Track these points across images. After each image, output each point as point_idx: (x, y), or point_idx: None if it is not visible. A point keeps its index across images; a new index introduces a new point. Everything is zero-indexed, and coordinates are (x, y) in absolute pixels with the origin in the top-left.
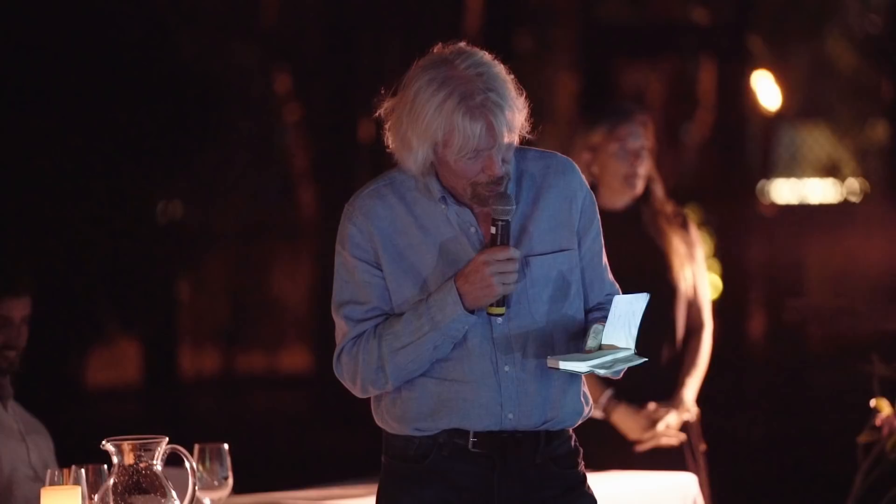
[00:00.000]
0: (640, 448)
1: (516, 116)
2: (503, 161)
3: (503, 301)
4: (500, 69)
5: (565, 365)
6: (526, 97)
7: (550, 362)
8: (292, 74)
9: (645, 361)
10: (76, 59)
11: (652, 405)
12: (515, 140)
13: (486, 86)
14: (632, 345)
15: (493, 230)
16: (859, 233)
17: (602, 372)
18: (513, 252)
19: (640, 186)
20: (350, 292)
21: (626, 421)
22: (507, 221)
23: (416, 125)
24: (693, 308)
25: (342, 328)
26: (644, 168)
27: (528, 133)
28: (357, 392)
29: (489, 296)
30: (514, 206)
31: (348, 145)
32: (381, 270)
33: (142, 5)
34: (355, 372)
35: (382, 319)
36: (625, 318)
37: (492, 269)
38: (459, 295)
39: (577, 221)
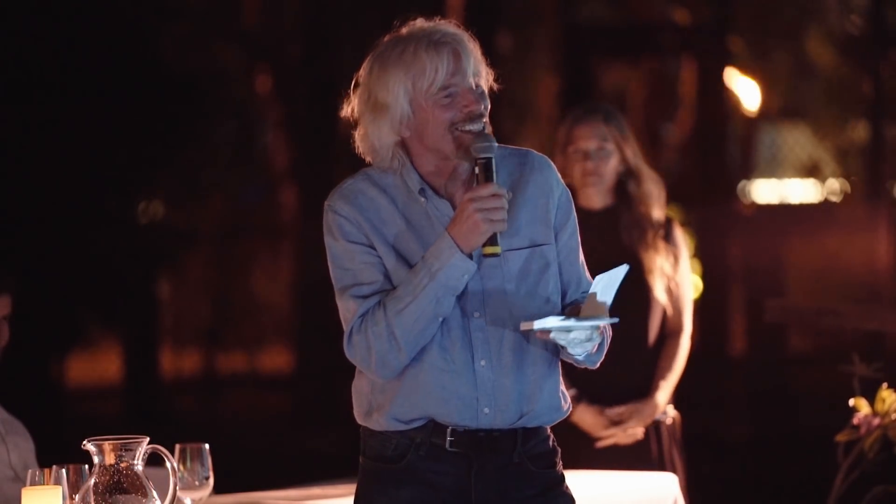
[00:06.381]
0: (600, 445)
1: (482, 69)
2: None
3: (495, 239)
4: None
5: (539, 324)
6: (489, 65)
7: (524, 325)
8: (273, 74)
9: (616, 321)
10: (57, 58)
11: (618, 409)
12: (486, 90)
13: (448, 31)
14: (606, 309)
15: (475, 170)
16: (840, 233)
17: (580, 351)
18: (496, 188)
19: (600, 185)
20: (352, 277)
21: (585, 418)
22: (490, 158)
23: (384, 80)
24: (673, 311)
25: (351, 308)
26: (604, 168)
27: (496, 84)
28: (373, 371)
29: (477, 233)
30: (495, 143)
31: (329, 145)
32: (377, 251)
33: (123, 5)
34: (368, 347)
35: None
36: (603, 291)
37: (476, 205)
38: (452, 240)
39: (554, 217)
